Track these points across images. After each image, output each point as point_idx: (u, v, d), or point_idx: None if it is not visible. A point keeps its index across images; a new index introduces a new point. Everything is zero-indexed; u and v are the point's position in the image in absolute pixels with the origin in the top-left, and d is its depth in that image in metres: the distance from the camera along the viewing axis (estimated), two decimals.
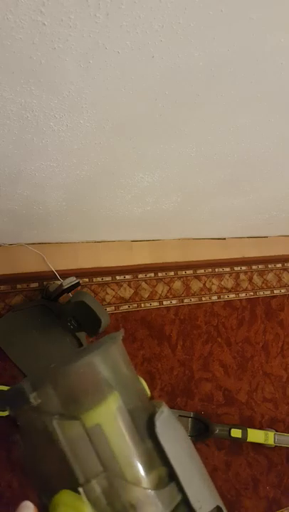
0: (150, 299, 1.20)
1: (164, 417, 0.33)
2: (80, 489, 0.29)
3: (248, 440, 1.09)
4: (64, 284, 0.94)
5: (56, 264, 1.10)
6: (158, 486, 0.31)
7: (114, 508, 0.29)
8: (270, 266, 1.41)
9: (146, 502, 0.30)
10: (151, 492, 0.30)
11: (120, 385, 0.34)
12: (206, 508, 0.32)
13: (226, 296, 1.29)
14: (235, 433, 1.08)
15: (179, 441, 0.34)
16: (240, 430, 1.08)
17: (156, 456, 0.32)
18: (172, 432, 0.34)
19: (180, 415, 1.08)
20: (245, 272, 1.36)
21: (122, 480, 0.30)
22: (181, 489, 0.31)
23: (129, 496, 0.30)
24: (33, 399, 0.30)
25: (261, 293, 1.35)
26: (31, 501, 0.29)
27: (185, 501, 0.31)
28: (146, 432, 0.32)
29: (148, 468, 0.31)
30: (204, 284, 1.28)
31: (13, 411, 0.32)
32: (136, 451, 0.31)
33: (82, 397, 0.32)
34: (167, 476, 0.32)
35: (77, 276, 0.97)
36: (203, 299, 1.26)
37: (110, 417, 0.32)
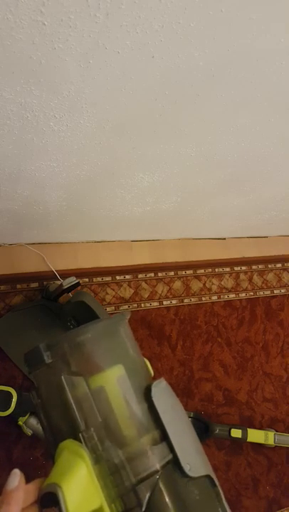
0: (150, 299, 1.20)
1: (161, 387, 0.38)
2: (80, 434, 0.34)
3: (248, 440, 1.09)
4: (64, 284, 0.94)
5: (56, 264, 1.10)
6: (151, 444, 0.35)
7: (109, 454, 0.34)
8: (270, 266, 1.41)
9: (137, 454, 0.34)
10: (142, 446, 0.34)
11: (124, 357, 0.39)
12: (195, 471, 0.35)
13: (226, 296, 1.29)
14: (235, 433, 1.08)
15: (173, 409, 0.38)
16: (240, 430, 1.08)
17: (152, 421, 0.36)
18: (167, 400, 0.38)
19: None
20: (245, 272, 1.36)
21: (117, 432, 0.35)
22: (171, 449, 0.35)
23: (122, 446, 0.34)
24: (46, 357, 0.36)
25: (261, 293, 1.35)
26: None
27: (175, 462, 0.34)
28: (144, 398, 0.37)
29: (143, 428, 0.36)
30: (204, 284, 1.28)
31: (31, 369, 0.38)
32: (133, 413, 0.36)
33: (89, 361, 0.38)
34: (160, 439, 0.35)
35: (77, 276, 0.97)
36: (203, 299, 1.26)
37: (113, 382, 0.37)
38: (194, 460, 0.36)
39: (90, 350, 0.38)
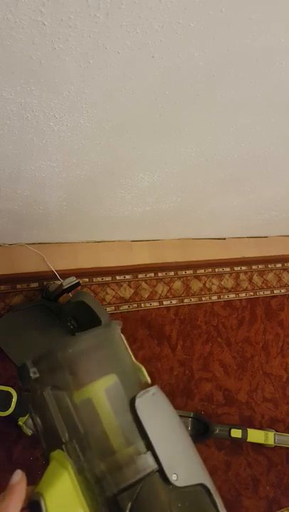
0: (150, 299, 1.20)
1: (147, 397, 0.38)
2: (63, 446, 0.35)
3: (248, 440, 1.09)
4: (64, 284, 0.94)
5: (56, 264, 1.10)
6: (135, 455, 0.35)
7: (90, 463, 0.35)
8: (270, 266, 1.41)
9: (119, 464, 0.34)
10: (125, 456, 0.35)
11: (112, 369, 0.40)
12: (184, 481, 0.35)
13: (226, 296, 1.29)
14: (235, 433, 1.08)
15: (162, 418, 0.38)
16: (240, 430, 1.08)
17: (137, 431, 0.36)
18: (154, 410, 0.38)
19: (180, 415, 1.08)
20: (245, 272, 1.36)
21: (100, 443, 0.36)
22: (156, 459, 0.35)
23: (105, 457, 0.35)
24: (32, 373, 0.37)
25: (261, 293, 1.35)
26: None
27: (161, 471, 0.34)
28: (129, 409, 0.37)
29: (128, 439, 0.36)
30: (204, 284, 1.28)
31: (21, 384, 0.39)
32: (119, 424, 0.37)
33: (75, 375, 0.38)
34: (146, 449, 0.36)
35: (77, 276, 0.97)
36: (203, 299, 1.26)
37: (100, 394, 0.37)
38: (184, 469, 0.35)
39: (74, 364, 0.39)
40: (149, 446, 0.35)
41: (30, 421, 0.89)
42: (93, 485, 0.34)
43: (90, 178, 0.74)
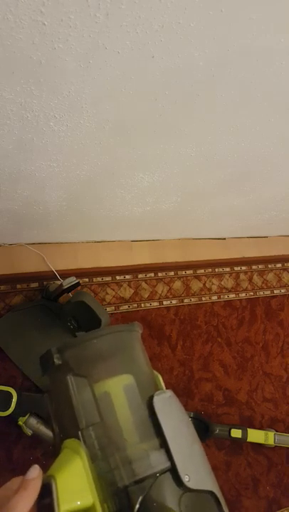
0: (150, 299, 1.20)
1: (164, 397, 0.39)
2: (79, 432, 0.36)
3: (248, 440, 1.09)
4: (64, 284, 0.94)
5: (56, 264, 1.10)
6: (149, 450, 0.35)
7: (104, 452, 0.35)
8: (270, 266, 1.41)
9: (133, 457, 0.35)
10: (139, 450, 0.35)
11: (132, 368, 0.41)
12: (196, 484, 0.34)
13: (226, 296, 1.29)
14: (235, 433, 1.08)
15: (177, 420, 0.39)
16: (240, 430, 1.08)
17: (153, 428, 0.37)
18: (170, 410, 0.39)
19: None
20: (245, 272, 1.36)
21: (116, 434, 0.36)
22: (170, 457, 0.35)
23: (119, 448, 0.35)
24: (56, 359, 0.39)
25: (261, 293, 1.35)
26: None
27: (174, 470, 0.34)
28: (147, 406, 0.38)
29: (143, 435, 0.37)
30: (204, 284, 1.28)
31: (44, 371, 0.40)
32: (135, 419, 0.38)
33: (95, 367, 0.40)
34: (160, 446, 0.36)
35: (77, 276, 0.97)
36: (203, 299, 1.26)
37: (119, 390, 0.38)
38: (196, 473, 0.35)
39: (96, 356, 0.40)
40: (164, 444, 0.35)
41: (30, 421, 0.89)
42: (105, 474, 0.34)
43: (90, 178, 0.74)
